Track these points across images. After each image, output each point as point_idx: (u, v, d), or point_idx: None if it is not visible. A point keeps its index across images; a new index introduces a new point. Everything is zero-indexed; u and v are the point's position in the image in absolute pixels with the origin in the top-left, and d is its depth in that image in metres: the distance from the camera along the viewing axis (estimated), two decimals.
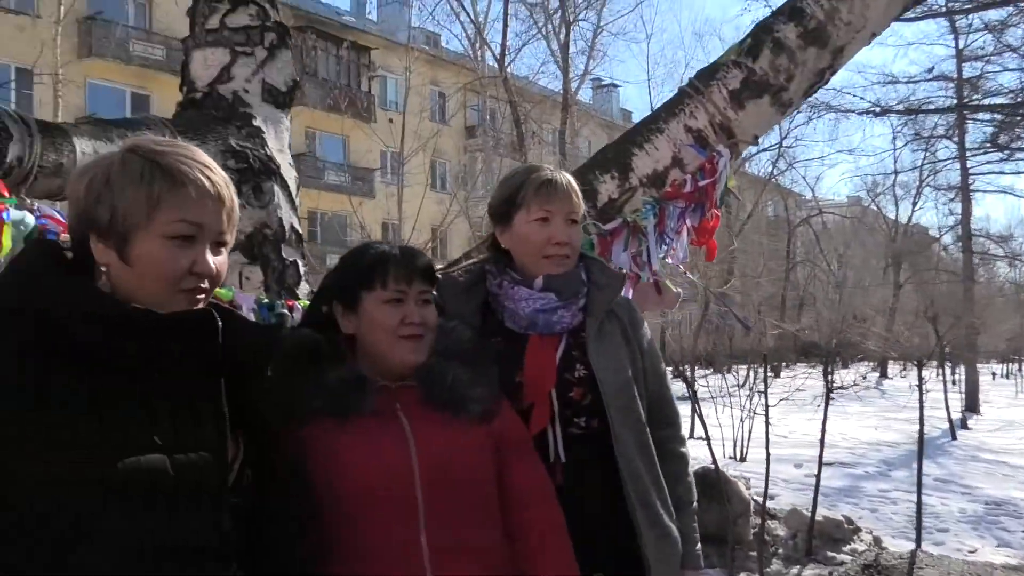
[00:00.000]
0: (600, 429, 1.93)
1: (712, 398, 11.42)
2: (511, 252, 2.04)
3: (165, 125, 2.83)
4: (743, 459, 10.62)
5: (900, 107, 18.65)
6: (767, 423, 5.97)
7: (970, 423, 16.64)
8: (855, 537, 6.71)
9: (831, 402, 6.95)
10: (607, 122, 32.29)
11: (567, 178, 2.02)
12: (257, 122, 2.94)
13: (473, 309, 2.01)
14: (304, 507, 1.51)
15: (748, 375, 13.12)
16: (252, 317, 2.25)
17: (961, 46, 19.29)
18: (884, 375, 30.67)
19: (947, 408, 14.31)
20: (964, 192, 22.44)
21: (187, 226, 1.31)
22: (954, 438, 14.24)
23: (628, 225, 2.75)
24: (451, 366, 1.73)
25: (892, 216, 36.68)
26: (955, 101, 19.12)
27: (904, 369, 29.21)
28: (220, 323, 1.36)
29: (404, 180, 17.55)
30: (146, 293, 1.30)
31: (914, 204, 34.92)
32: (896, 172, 30.04)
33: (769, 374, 9.20)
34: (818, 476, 6.28)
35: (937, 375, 18.67)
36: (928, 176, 28.52)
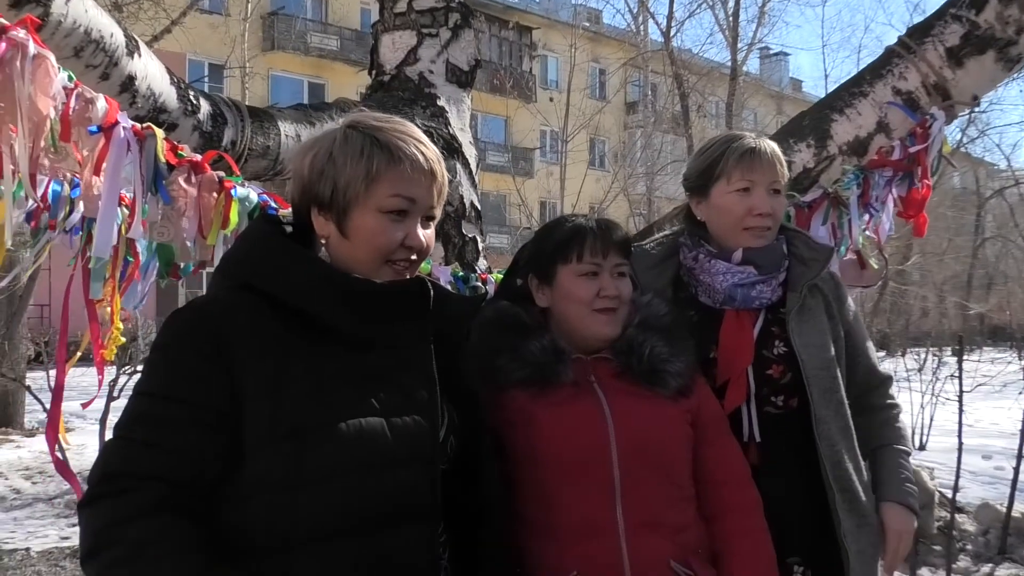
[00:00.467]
0: (798, 409, 1.86)
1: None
2: (707, 224, 1.97)
3: (357, 108, 3.00)
4: (923, 447, 9.97)
5: None
6: (960, 410, 5.55)
7: None
8: None
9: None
10: (776, 93, 30.88)
11: (771, 146, 1.93)
12: (441, 102, 3.05)
13: (665, 282, 1.97)
14: (504, 476, 1.54)
15: (926, 358, 12.26)
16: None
17: None
18: None
19: None
20: None
21: (402, 201, 1.35)
22: None
23: (828, 196, 2.60)
24: (649, 339, 1.70)
25: None
26: None
27: None
28: (432, 292, 1.41)
29: (564, 158, 17.59)
30: (359, 264, 1.36)
31: None
32: None
33: (953, 357, 8.56)
34: (1016, 468, 5.80)
35: None
36: None
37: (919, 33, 2.86)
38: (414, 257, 1.39)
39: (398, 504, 1.28)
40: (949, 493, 5.71)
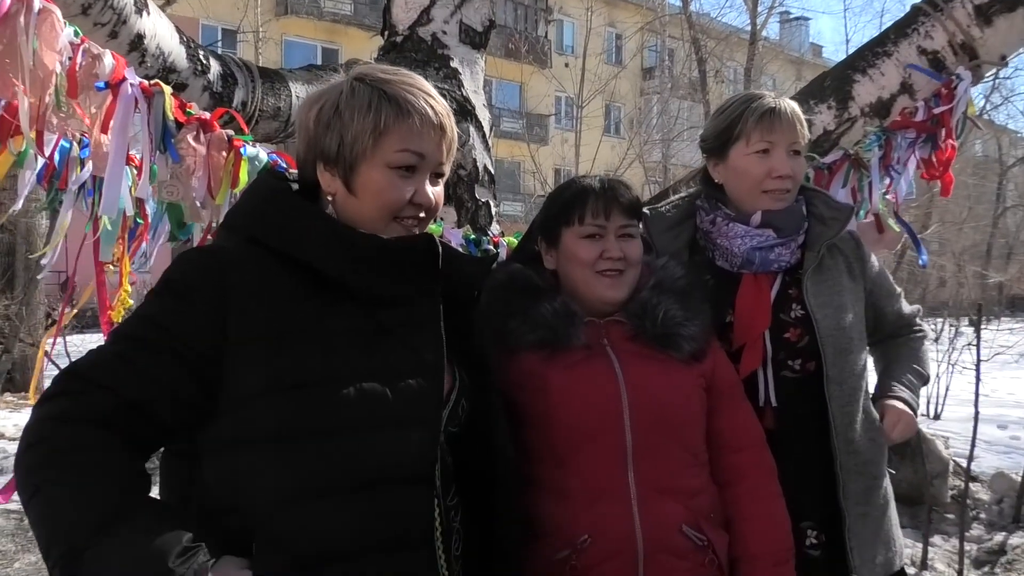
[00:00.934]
0: (816, 372, 1.84)
1: None
2: (725, 186, 1.93)
3: None
4: (937, 417, 9.93)
5: None
6: (977, 379, 5.50)
7: None
8: None
9: None
10: (795, 58, 30.44)
11: (791, 106, 1.88)
12: (454, 63, 3.00)
13: (681, 245, 1.94)
14: (516, 439, 1.52)
15: (943, 328, 12.18)
16: None
17: None
18: None
19: None
20: None
21: (411, 156, 1.31)
22: None
23: (849, 158, 2.54)
24: (663, 302, 1.68)
25: None
26: None
27: None
28: (440, 249, 1.38)
29: (579, 125, 17.43)
30: (366, 221, 1.32)
31: None
32: None
33: (970, 327, 8.49)
34: None
35: None
36: None
37: None
38: (423, 215, 1.36)
39: (395, 466, 1.25)
40: (964, 462, 5.69)
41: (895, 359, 2.04)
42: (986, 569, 4.93)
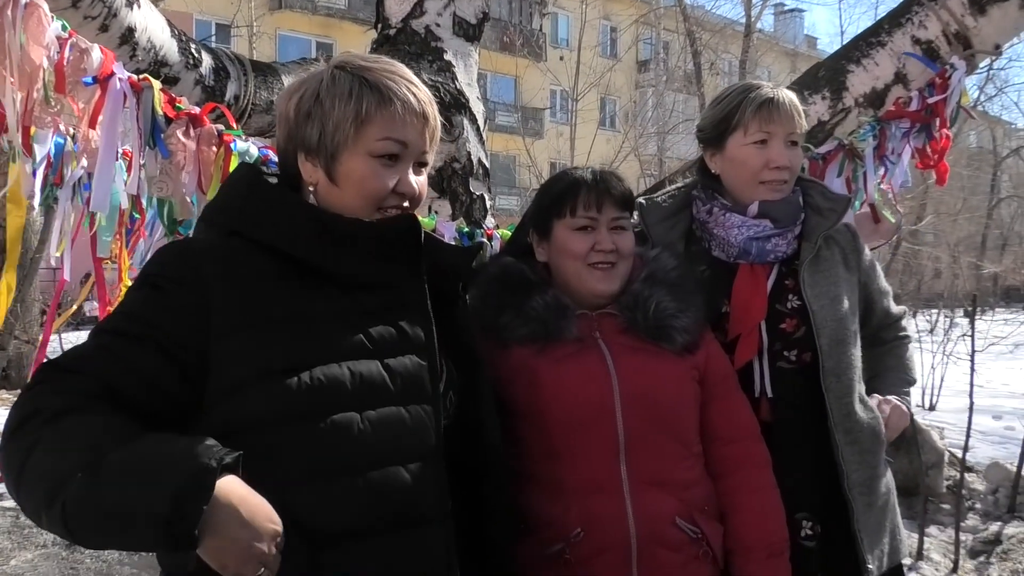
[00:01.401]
0: (812, 363, 1.83)
1: None
2: (722, 177, 1.92)
3: None
4: (932, 408, 9.96)
5: None
6: (972, 370, 5.51)
7: None
8: None
9: None
10: (790, 50, 30.41)
11: (789, 96, 1.87)
12: (448, 56, 2.99)
13: (677, 236, 1.94)
14: (508, 432, 1.50)
15: (938, 319, 12.22)
16: None
17: None
18: None
19: None
20: None
21: (393, 144, 1.30)
22: None
23: (844, 148, 2.54)
24: (655, 293, 1.67)
25: None
26: None
27: None
28: (422, 232, 1.36)
29: (574, 118, 17.42)
30: (348, 211, 1.31)
31: None
32: None
33: (965, 318, 8.50)
34: None
35: None
36: None
37: None
38: (406, 204, 1.35)
39: (397, 443, 1.25)
40: (959, 453, 5.70)
41: (883, 369, 2.05)
42: (982, 559, 4.95)
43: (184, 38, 2.55)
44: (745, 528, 1.65)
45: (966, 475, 5.95)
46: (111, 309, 2.30)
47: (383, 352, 1.27)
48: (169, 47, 2.44)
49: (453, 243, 2.31)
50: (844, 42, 3.22)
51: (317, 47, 23.92)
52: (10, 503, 5.43)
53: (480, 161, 3.11)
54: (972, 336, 5.70)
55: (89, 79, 1.71)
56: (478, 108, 3.13)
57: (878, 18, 2.97)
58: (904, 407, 1.96)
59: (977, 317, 6.19)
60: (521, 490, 1.56)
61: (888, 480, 1.93)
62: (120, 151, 1.91)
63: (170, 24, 2.52)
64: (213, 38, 18.31)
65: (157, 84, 1.85)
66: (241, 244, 1.27)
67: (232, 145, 1.94)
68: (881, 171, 2.60)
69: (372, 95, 1.29)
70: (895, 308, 2.08)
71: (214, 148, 1.91)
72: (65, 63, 1.66)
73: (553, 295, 1.66)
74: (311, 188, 1.33)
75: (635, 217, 1.87)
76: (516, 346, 1.63)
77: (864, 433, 1.85)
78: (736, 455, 1.69)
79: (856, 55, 2.83)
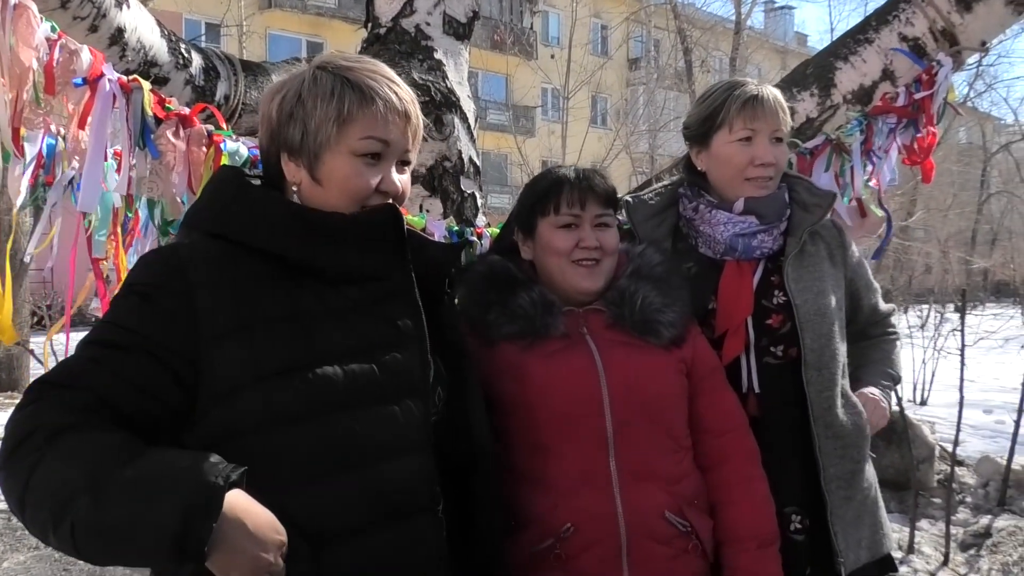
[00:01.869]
0: (798, 358, 1.84)
1: None
2: (708, 174, 1.93)
3: None
4: (924, 403, 10.02)
5: None
6: (962, 364, 5.54)
7: None
8: None
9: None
10: (781, 47, 30.48)
11: (773, 93, 1.88)
12: (438, 55, 2.99)
13: (664, 234, 1.95)
14: (497, 429, 1.51)
15: (929, 315, 12.29)
16: None
17: None
18: None
19: None
20: None
21: (375, 143, 1.30)
22: None
23: (831, 143, 2.55)
24: (641, 288, 1.69)
25: None
26: None
27: None
28: (404, 222, 1.36)
29: (565, 116, 17.43)
30: (333, 211, 1.30)
31: None
32: None
33: (955, 313, 8.55)
34: (1017, 422, 5.82)
35: None
36: None
37: None
38: (390, 202, 1.35)
39: (390, 437, 1.25)
40: (950, 447, 5.74)
41: (867, 362, 2.06)
42: (972, 552, 4.98)
43: (174, 38, 2.55)
44: (735, 519, 1.66)
45: (957, 469, 5.99)
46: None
47: (374, 347, 1.28)
48: (159, 47, 2.44)
49: (443, 241, 2.31)
50: (834, 39, 3.24)
51: (307, 46, 23.86)
52: (1, 505, 5.41)
53: (471, 159, 3.11)
54: (962, 331, 5.73)
55: (79, 80, 1.71)
56: (469, 107, 3.13)
57: (867, 15, 2.98)
58: (882, 400, 1.97)
59: (968, 312, 6.22)
60: (511, 486, 1.57)
61: (870, 474, 1.94)
62: (112, 151, 1.91)
63: (160, 24, 2.52)
64: (203, 38, 18.26)
65: (147, 85, 1.85)
66: (226, 246, 1.26)
67: (222, 145, 1.94)
68: (869, 167, 2.62)
69: (354, 95, 1.29)
70: (883, 305, 2.09)
71: (204, 148, 1.92)
72: (55, 64, 1.67)
73: (539, 292, 1.68)
74: (294, 188, 1.33)
75: (622, 215, 1.89)
76: (504, 343, 1.64)
77: (845, 427, 1.86)
78: (725, 448, 1.71)
79: (844, 52, 2.84)
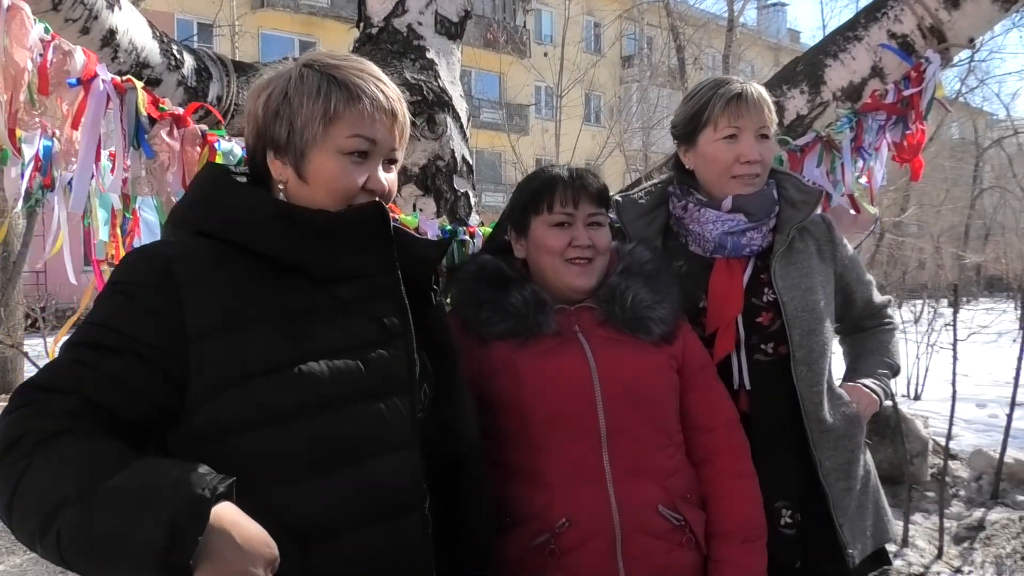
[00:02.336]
0: (788, 355, 1.85)
1: None
2: (696, 172, 1.94)
3: None
4: (917, 397, 10.06)
5: None
6: (955, 358, 5.57)
7: None
8: None
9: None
10: (774, 44, 30.49)
11: (758, 90, 1.89)
12: (430, 54, 3.00)
13: (654, 232, 1.96)
14: (490, 426, 1.53)
15: (923, 310, 12.35)
16: None
17: None
18: None
19: None
20: None
21: (362, 141, 1.30)
22: None
23: (821, 140, 2.57)
24: (631, 286, 1.70)
25: None
26: None
27: None
28: (391, 219, 1.35)
29: (559, 114, 17.42)
30: (320, 209, 1.29)
31: None
32: None
33: (949, 308, 8.59)
34: (1010, 415, 5.85)
35: None
36: None
37: None
38: (376, 200, 1.34)
39: (377, 435, 1.25)
40: (943, 441, 5.77)
41: (863, 352, 2.08)
42: (966, 545, 5.01)
43: (166, 39, 2.55)
44: (722, 513, 1.68)
45: (950, 463, 6.02)
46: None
47: (360, 345, 1.27)
48: (151, 48, 2.44)
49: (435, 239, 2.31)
50: (825, 36, 3.26)
51: (300, 46, 23.82)
52: None
53: (464, 158, 3.12)
54: (954, 326, 5.76)
55: (73, 80, 1.71)
56: (461, 106, 3.14)
57: (857, 12, 3.00)
58: (870, 391, 1.98)
59: (961, 307, 6.25)
60: (505, 483, 1.59)
61: (867, 462, 1.96)
62: (108, 152, 1.91)
63: (151, 26, 2.52)
64: (195, 38, 18.22)
65: (141, 85, 1.86)
66: (212, 245, 1.26)
67: (216, 145, 1.95)
68: (859, 163, 2.63)
69: (340, 93, 1.29)
70: (879, 297, 2.10)
71: (198, 148, 1.93)
72: (49, 65, 1.67)
73: (531, 290, 1.69)
74: (280, 186, 1.33)
75: (613, 214, 1.90)
76: (496, 341, 1.66)
77: (837, 420, 1.87)
78: (715, 443, 1.72)
79: (833, 49, 2.86)
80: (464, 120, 3.15)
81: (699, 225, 1.91)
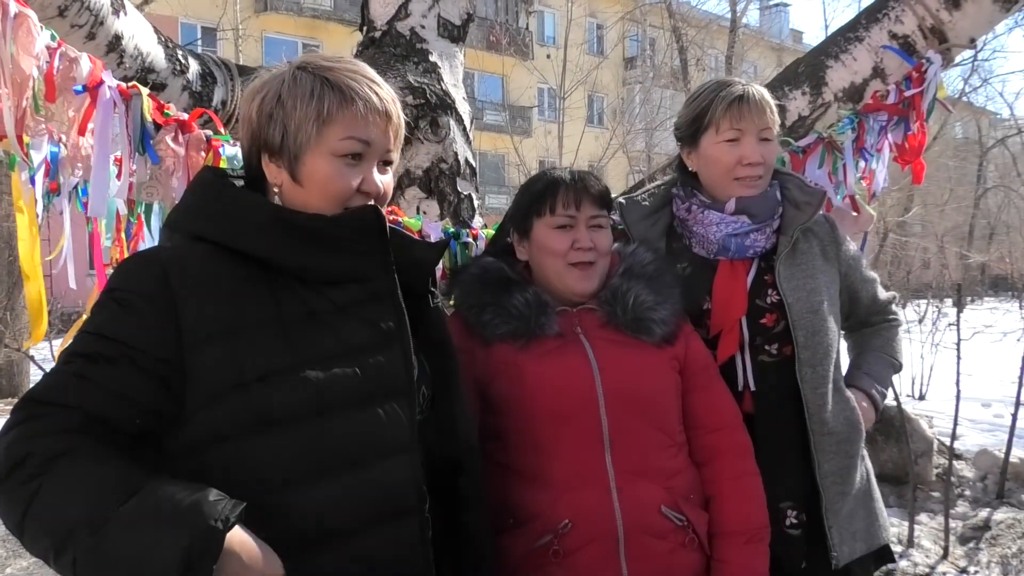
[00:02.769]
0: (792, 356, 1.86)
1: None
2: (699, 174, 1.95)
3: None
4: (922, 397, 10.04)
5: None
6: (959, 358, 5.56)
7: None
8: None
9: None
10: (776, 45, 30.44)
11: (760, 92, 1.89)
12: (433, 57, 3.01)
13: (658, 234, 1.96)
14: (492, 428, 1.54)
15: (927, 309, 12.32)
16: None
17: None
18: None
19: None
20: None
21: (356, 143, 1.29)
22: None
23: (823, 141, 2.57)
24: (633, 287, 1.71)
25: None
26: None
27: None
28: (387, 222, 1.35)
29: (562, 116, 17.45)
30: (314, 211, 1.29)
31: None
32: None
33: (953, 308, 8.58)
34: (1015, 415, 5.84)
35: None
36: None
37: None
38: (371, 203, 1.34)
39: (375, 439, 1.25)
40: (948, 441, 5.75)
41: (867, 349, 2.08)
42: (971, 545, 5.00)
43: (171, 44, 2.57)
44: (725, 513, 1.68)
45: (955, 463, 6.01)
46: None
47: (357, 350, 1.27)
48: (156, 54, 2.45)
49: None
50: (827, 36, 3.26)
51: (303, 49, 23.86)
52: None
53: (467, 161, 3.13)
54: (958, 325, 5.75)
55: (79, 87, 1.73)
56: (464, 108, 3.15)
57: (858, 13, 3.01)
58: (867, 403, 1.98)
59: (965, 306, 6.24)
60: (508, 484, 1.60)
61: (866, 468, 1.96)
62: (113, 157, 1.93)
63: (156, 31, 2.54)
64: (199, 42, 18.26)
65: (146, 91, 1.87)
66: (208, 249, 1.25)
67: (221, 150, 1.96)
68: (861, 164, 2.63)
69: (334, 95, 1.28)
70: (883, 294, 2.10)
71: (203, 153, 1.94)
72: (55, 72, 1.68)
73: (534, 292, 1.70)
74: (276, 189, 1.32)
75: (616, 216, 1.91)
76: (499, 343, 1.66)
77: (839, 423, 1.88)
78: (718, 443, 1.73)
79: (834, 50, 2.87)
80: (467, 122, 3.16)
81: (703, 227, 1.92)
